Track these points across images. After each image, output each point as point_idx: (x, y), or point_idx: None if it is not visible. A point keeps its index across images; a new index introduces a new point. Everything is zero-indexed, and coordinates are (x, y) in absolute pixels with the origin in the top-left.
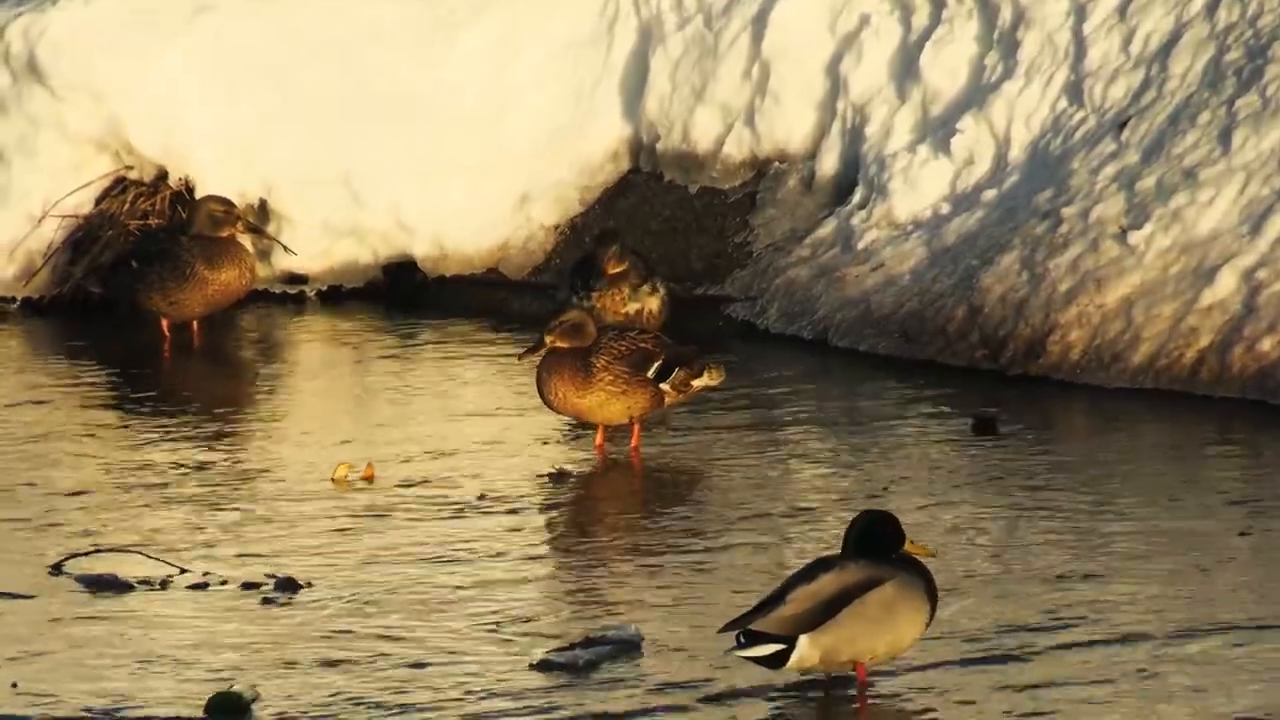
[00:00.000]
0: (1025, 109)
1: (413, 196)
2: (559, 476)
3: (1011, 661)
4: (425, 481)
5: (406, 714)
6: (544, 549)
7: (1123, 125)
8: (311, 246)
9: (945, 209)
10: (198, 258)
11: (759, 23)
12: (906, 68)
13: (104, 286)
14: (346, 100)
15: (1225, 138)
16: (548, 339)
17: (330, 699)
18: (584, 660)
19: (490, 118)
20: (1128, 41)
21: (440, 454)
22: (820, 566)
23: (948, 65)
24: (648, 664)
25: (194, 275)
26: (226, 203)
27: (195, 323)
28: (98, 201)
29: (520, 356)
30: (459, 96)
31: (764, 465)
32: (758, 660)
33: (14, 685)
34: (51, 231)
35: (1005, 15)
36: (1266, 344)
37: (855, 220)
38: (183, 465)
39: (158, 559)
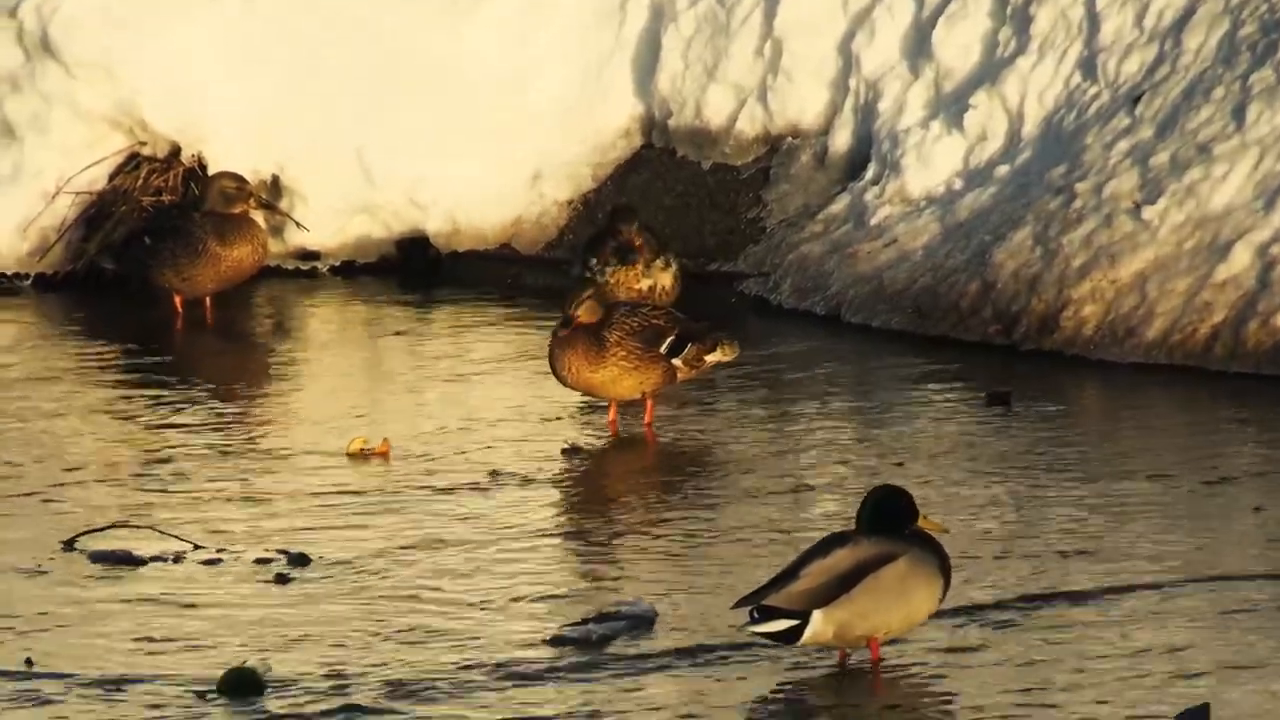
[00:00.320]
0: (1038, 84)
1: (426, 172)
2: (572, 452)
3: (1025, 635)
4: (438, 457)
5: (419, 690)
6: (557, 524)
7: (1136, 100)
8: (325, 223)
9: (958, 185)
10: (210, 234)
11: (771, 0)
12: (919, 44)
13: (117, 263)
14: (359, 77)
15: (1239, 113)
16: (575, 313)
17: (342, 674)
18: (597, 635)
19: (503, 94)
20: (1141, 16)
21: (453, 429)
22: (834, 541)
23: (961, 41)
24: (661, 639)
25: (207, 251)
26: (239, 179)
27: (208, 299)
28: (111, 178)
29: (555, 331)
30: (472, 73)
31: (776, 441)
32: (771, 636)
33: (29, 662)
34: (65, 208)
35: None
36: None
37: (868, 196)
38: (195, 441)
39: (170, 535)
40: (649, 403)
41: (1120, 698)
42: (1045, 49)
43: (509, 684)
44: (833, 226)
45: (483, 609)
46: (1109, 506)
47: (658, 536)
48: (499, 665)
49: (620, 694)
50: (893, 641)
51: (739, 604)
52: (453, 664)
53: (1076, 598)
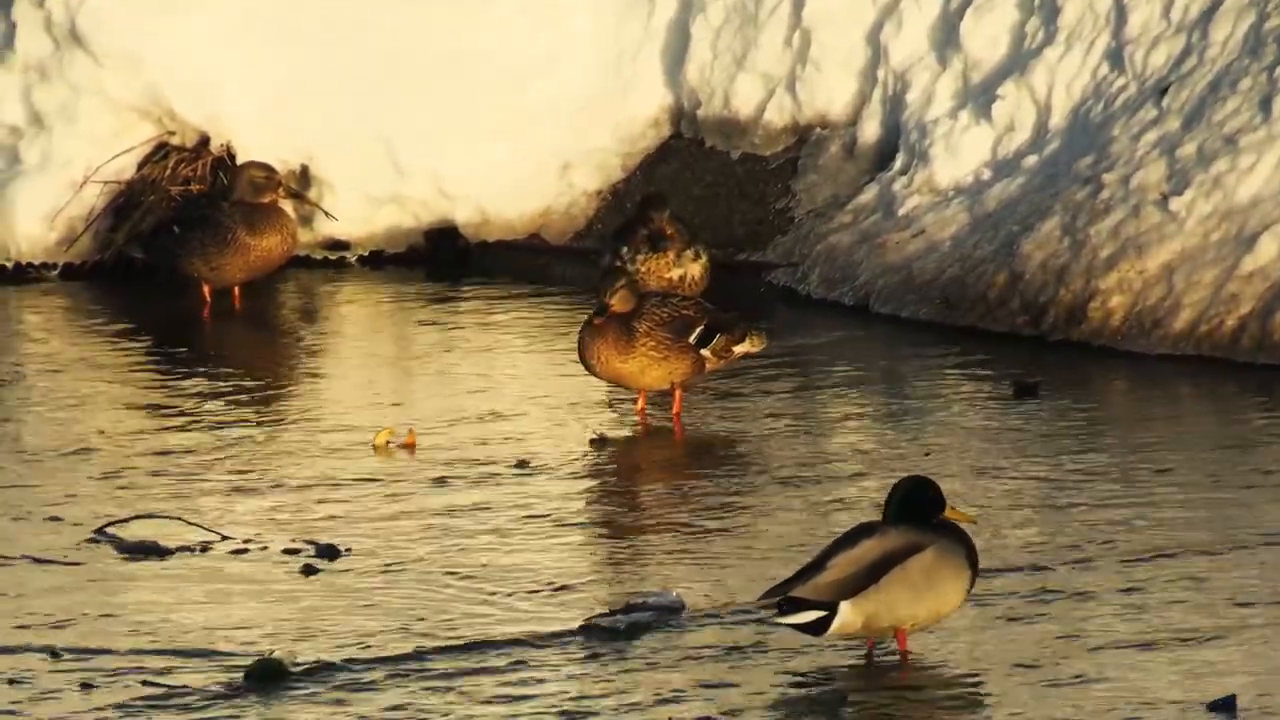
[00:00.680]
0: (1066, 75)
1: (455, 162)
2: (600, 442)
3: (1051, 624)
4: (466, 447)
5: (447, 680)
6: (585, 515)
7: (1164, 92)
8: (353, 212)
9: (986, 175)
10: (239, 223)
11: None
12: (947, 35)
13: (145, 252)
14: (389, 67)
15: (1266, 105)
16: (610, 301)
17: (370, 665)
18: (625, 625)
19: (532, 84)
20: (1168, 8)
21: (481, 420)
22: (862, 532)
23: (989, 32)
24: (688, 629)
25: (236, 241)
26: (268, 169)
27: (236, 288)
28: (139, 167)
29: (590, 320)
30: (502, 63)
31: (805, 431)
32: (799, 627)
33: (55, 654)
34: (93, 198)
35: None
36: None
37: (897, 186)
38: (223, 431)
39: (197, 525)
40: (678, 393)
41: (1146, 686)
42: (1073, 40)
43: (536, 674)
44: (861, 217)
45: (510, 599)
46: (1135, 497)
47: (685, 527)
48: (526, 655)
49: (647, 684)
50: (920, 631)
51: (766, 595)
52: (480, 654)
53: (1103, 588)
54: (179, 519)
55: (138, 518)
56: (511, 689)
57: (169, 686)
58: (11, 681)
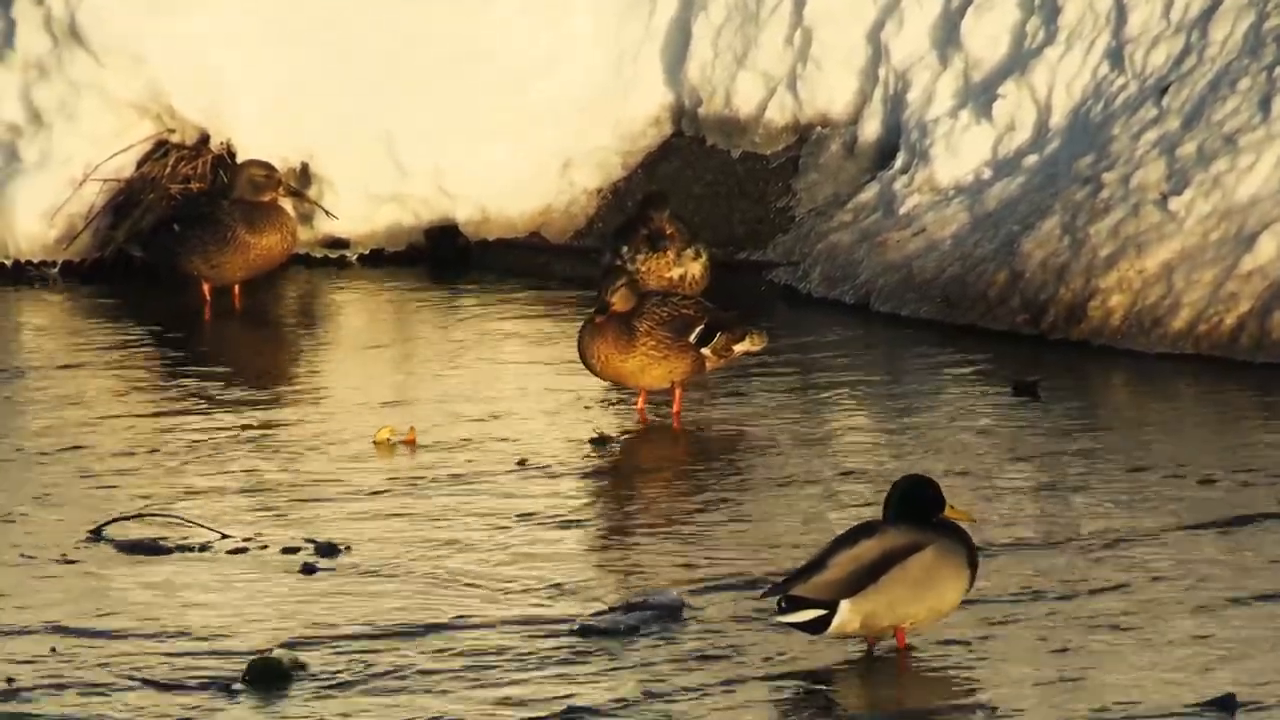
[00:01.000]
0: (1066, 75)
1: (455, 160)
2: (600, 441)
3: (1051, 624)
4: (466, 446)
5: (446, 679)
6: (585, 514)
7: (1163, 91)
8: (354, 211)
9: (987, 174)
10: (239, 222)
11: None
12: (948, 34)
13: (145, 250)
14: (389, 65)
15: (1265, 104)
16: (611, 300)
17: (370, 664)
18: (625, 625)
19: (533, 83)
20: (1168, 8)
21: (481, 419)
22: (861, 531)
23: (989, 31)
24: (689, 629)
25: (235, 239)
26: (268, 167)
27: (236, 286)
28: (139, 165)
29: (590, 319)
30: (503, 62)
31: (805, 430)
32: (799, 625)
33: (53, 650)
34: (92, 195)
35: None
36: None
37: (897, 185)
38: (223, 429)
39: (197, 524)
40: (678, 392)
41: (1146, 686)
42: (1073, 40)
43: (536, 673)
44: (862, 215)
45: (509, 598)
46: (1134, 496)
47: (685, 526)
48: (526, 654)
49: (648, 683)
50: (919, 631)
51: (767, 594)
52: (479, 653)
53: (1102, 587)
54: (178, 518)
55: (137, 516)
56: (511, 688)
57: (168, 685)
58: (10, 680)
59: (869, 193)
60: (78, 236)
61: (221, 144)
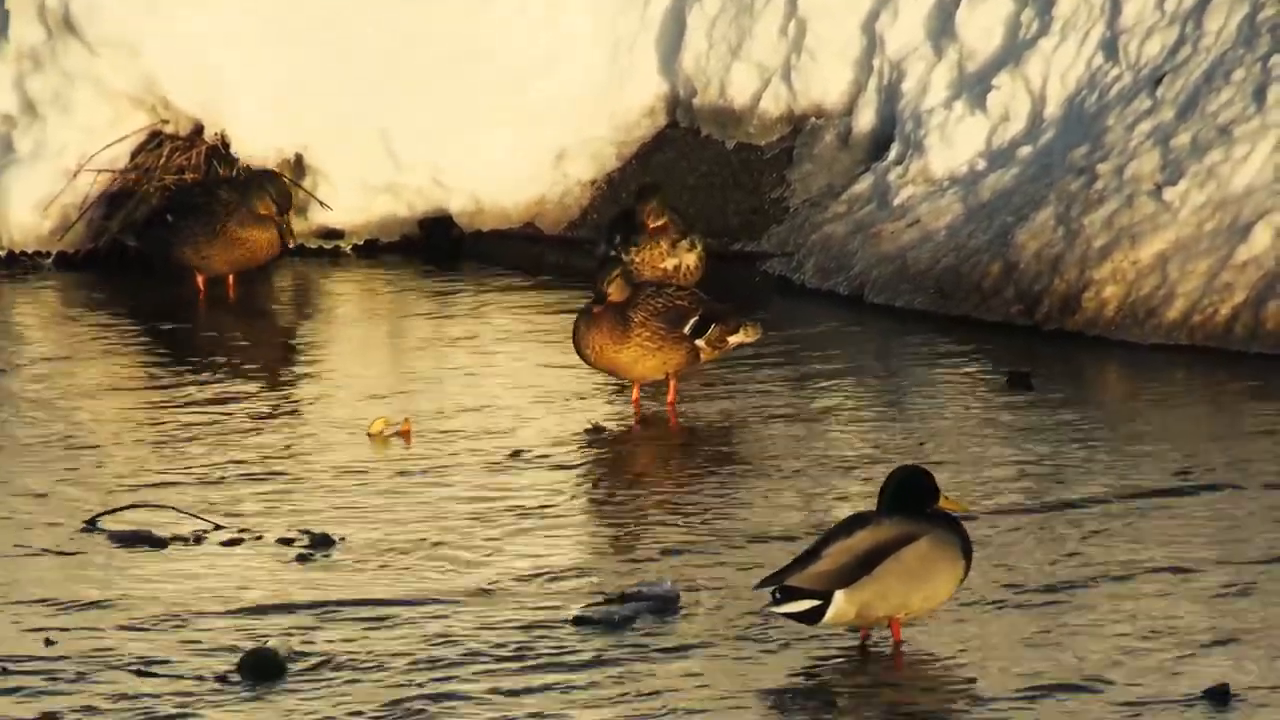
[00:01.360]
0: (1061, 66)
1: (450, 152)
2: (595, 432)
3: (1045, 614)
4: (461, 437)
5: (442, 669)
6: (580, 504)
7: (1158, 82)
8: (348, 201)
9: (981, 165)
10: (231, 216)
11: None
12: (943, 25)
13: (139, 240)
14: (384, 56)
15: (1259, 95)
16: (607, 290)
17: (364, 655)
18: (620, 616)
19: (528, 74)
20: None
21: (476, 409)
22: (856, 522)
23: (984, 22)
24: (684, 619)
25: (225, 232)
26: (283, 200)
27: (230, 277)
28: (133, 156)
29: (587, 309)
30: (497, 53)
31: (799, 420)
32: (794, 616)
33: (47, 641)
34: (87, 186)
35: None
36: None
37: (891, 176)
38: (217, 420)
39: (191, 515)
40: (672, 383)
41: (1139, 678)
42: (1067, 30)
43: (531, 664)
44: (856, 206)
45: (504, 589)
46: (1129, 487)
47: (680, 516)
48: (521, 645)
49: (643, 674)
50: (914, 621)
51: (761, 584)
52: (474, 644)
53: (1096, 578)
54: (173, 508)
55: (131, 507)
56: (506, 679)
57: (163, 676)
58: (5, 670)
59: (863, 184)
60: (72, 227)
61: (216, 135)
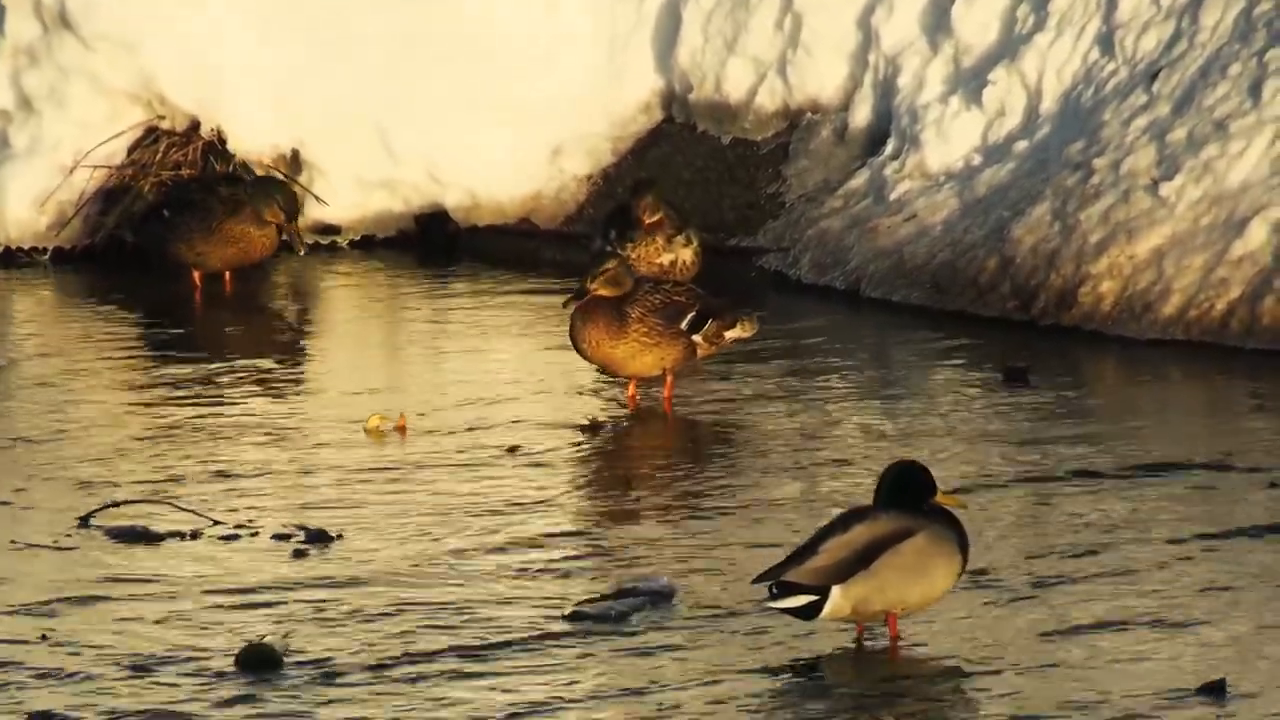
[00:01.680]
0: (1057, 60)
1: (445, 147)
2: (592, 427)
3: (1041, 610)
4: (457, 432)
5: (438, 665)
6: (576, 500)
7: (1154, 77)
8: (344, 197)
9: (977, 160)
10: (227, 213)
11: None
12: (938, 20)
13: (136, 236)
14: (380, 52)
15: (1256, 90)
16: (590, 286)
17: (361, 650)
18: (616, 611)
19: (524, 69)
20: None
21: (472, 404)
22: (853, 517)
23: (980, 17)
24: (680, 615)
25: (219, 228)
26: (290, 208)
27: (227, 273)
28: (129, 152)
29: (565, 303)
30: (493, 49)
31: (795, 416)
32: (791, 611)
33: (43, 637)
34: (83, 182)
35: None
36: None
37: (887, 171)
38: (213, 416)
39: (188, 510)
40: (669, 378)
41: (1136, 672)
42: (1063, 25)
43: (527, 659)
44: (852, 201)
45: (500, 585)
46: (1124, 481)
47: (676, 512)
48: (517, 640)
49: (639, 670)
50: (910, 616)
51: (758, 580)
52: (470, 640)
53: (1092, 572)
54: (169, 504)
55: (128, 503)
56: (502, 675)
57: (160, 672)
58: (2, 665)
59: (859, 179)
60: (68, 223)
61: (212, 130)
